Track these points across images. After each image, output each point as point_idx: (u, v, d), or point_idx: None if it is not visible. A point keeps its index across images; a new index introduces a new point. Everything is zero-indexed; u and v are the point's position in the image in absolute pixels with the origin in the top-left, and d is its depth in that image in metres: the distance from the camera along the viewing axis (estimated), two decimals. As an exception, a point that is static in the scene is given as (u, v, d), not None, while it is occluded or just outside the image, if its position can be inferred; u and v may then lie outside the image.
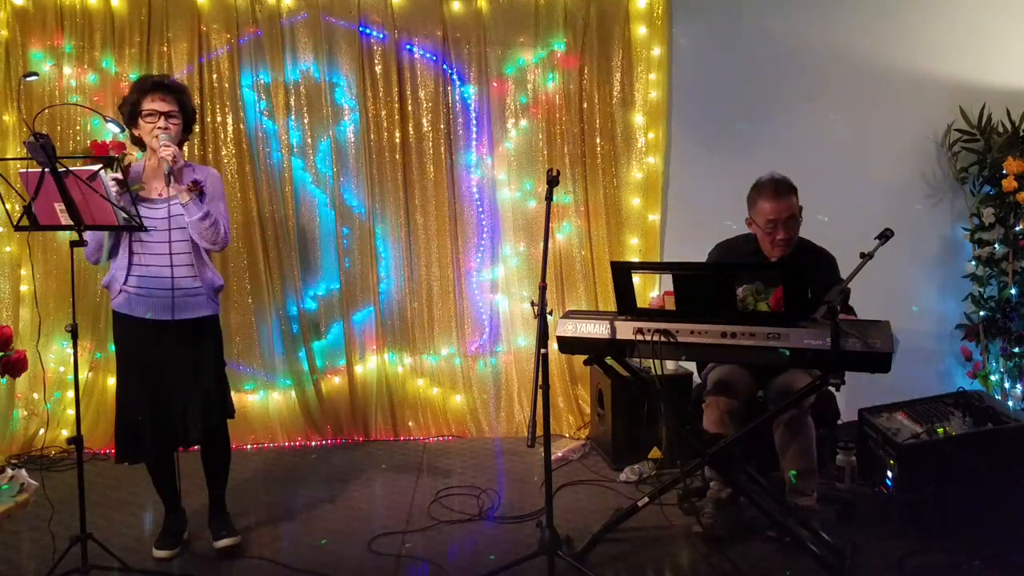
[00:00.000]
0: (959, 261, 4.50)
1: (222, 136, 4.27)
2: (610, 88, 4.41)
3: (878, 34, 4.39)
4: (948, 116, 4.39)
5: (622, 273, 2.82)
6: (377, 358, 4.48)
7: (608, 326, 2.79)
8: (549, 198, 2.83)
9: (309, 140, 4.35)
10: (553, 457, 3.57)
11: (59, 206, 2.50)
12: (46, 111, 4.12)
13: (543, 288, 2.68)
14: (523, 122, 4.46)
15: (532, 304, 2.68)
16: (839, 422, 3.85)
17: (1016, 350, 4.26)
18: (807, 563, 2.80)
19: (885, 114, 4.40)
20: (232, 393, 3.07)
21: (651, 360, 2.79)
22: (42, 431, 4.18)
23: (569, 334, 2.87)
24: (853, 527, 3.16)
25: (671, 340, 2.68)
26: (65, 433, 4.20)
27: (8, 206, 2.79)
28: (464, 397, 4.53)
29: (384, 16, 4.31)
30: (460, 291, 4.49)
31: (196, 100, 4.17)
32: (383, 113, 4.34)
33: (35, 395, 4.27)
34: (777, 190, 3.10)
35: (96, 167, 2.47)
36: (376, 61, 4.33)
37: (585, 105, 4.42)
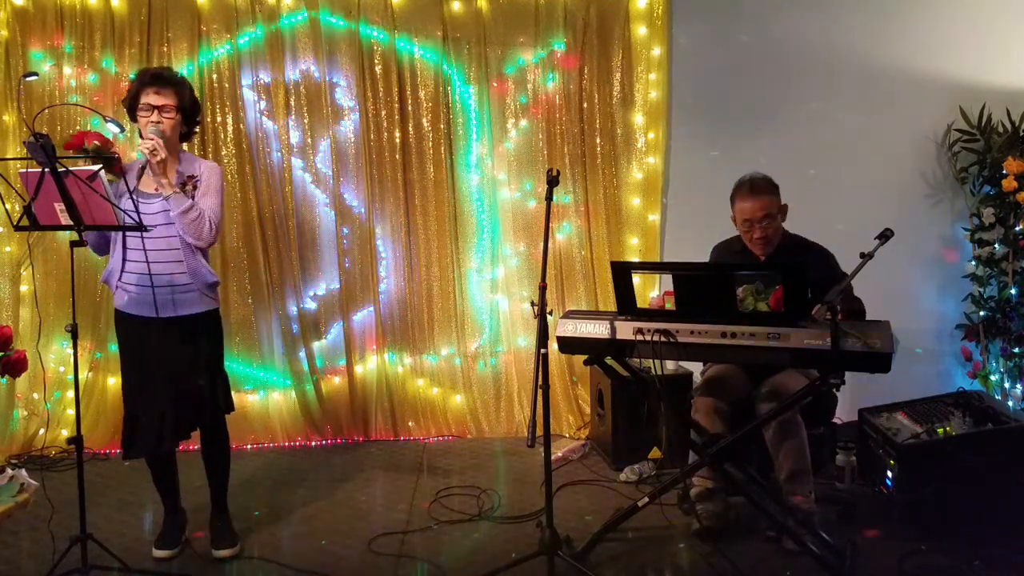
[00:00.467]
0: (959, 261, 4.50)
1: (222, 136, 4.27)
2: (610, 88, 4.41)
3: (878, 34, 4.39)
4: (948, 116, 4.39)
5: (622, 273, 2.82)
6: (377, 358, 4.48)
7: (608, 326, 2.79)
8: (549, 198, 2.83)
9: (309, 140, 4.35)
10: (553, 457, 3.56)
11: (59, 206, 2.50)
12: (46, 111, 4.12)
13: (543, 288, 2.67)
14: (523, 122, 4.46)
15: (532, 304, 2.68)
16: (839, 422, 3.86)
17: (1016, 350, 4.26)
18: (807, 563, 2.80)
19: (885, 114, 4.41)
20: (232, 393, 3.07)
21: (651, 360, 2.79)
22: (42, 431, 4.18)
23: (569, 334, 2.87)
24: (853, 527, 3.16)
25: (671, 340, 2.68)
26: (65, 433, 4.20)
27: (8, 206, 2.79)
28: (464, 397, 4.53)
29: (384, 16, 4.31)
30: (460, 291, 4.49)
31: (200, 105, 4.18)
32: (383, 113, 4.34)
33: (35, 395, 4.27)
34: (752, 189, 3.10)
35: (96, 167, 2.47)
36: (376, 61, 4.33)
37: (585, 105, 4.42)
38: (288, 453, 4.30)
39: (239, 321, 4.36)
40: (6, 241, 4.26)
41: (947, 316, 4.52)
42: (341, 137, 4.37)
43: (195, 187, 2.89)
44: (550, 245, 2.96)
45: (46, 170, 2.42)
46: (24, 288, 4.26)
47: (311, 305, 4.45)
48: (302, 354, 4.40)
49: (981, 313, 4.36)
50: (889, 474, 3.24)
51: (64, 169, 2.43)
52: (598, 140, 4.43)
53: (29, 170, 2.48)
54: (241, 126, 4.27)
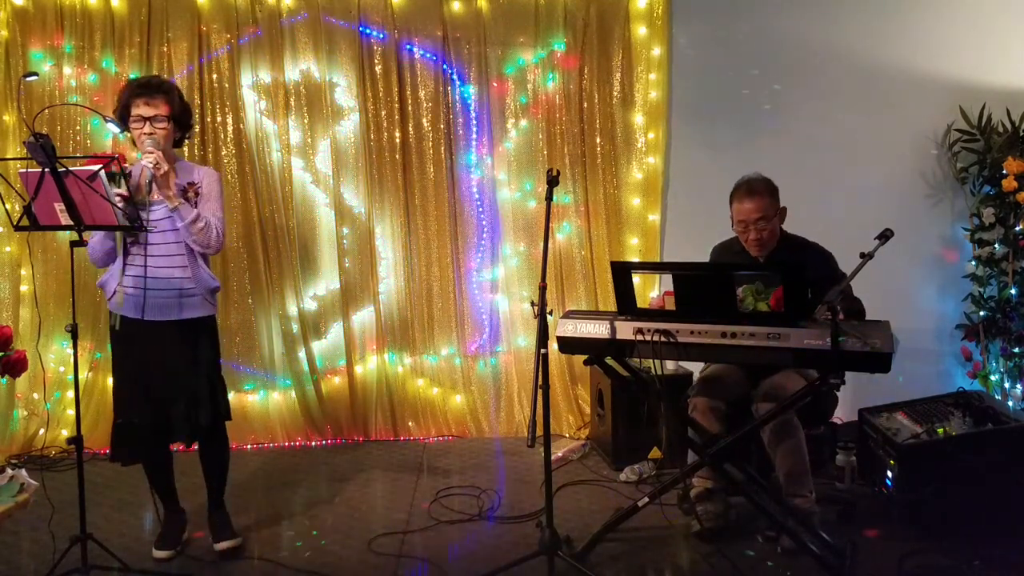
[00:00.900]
0: (959, 261, 4.50)
1: (222, 136, 4.28)
2: (610, 88, 4.41)
3: (878, 34, 4.39)
4: (948, 116, 4.39)
5: (622, 273, 2.82)
6: (377, 358, 4.48)
7: (608, 326, 2.79)
8: (549, 198, 2.83)
9: (309, 140, 4.35)
10: (553, 457, 3.57)
11: (59, 206, 2.50)
12: (46, 111, 4.12)
13: (543, 288, 2.67)
14: (523, 122, 4.46)
15: (532, 304, 2.68)
16: (839, 422, 3.86)
17: (1016, 350, 4.26)
18: (807, 563, 2.80)
19: (885, 114, 4.40)
20: (232, 393, 3.07)
21: (651, 360, 2.79)
22: (42, 431, 4.18)
23: (569, 334, 2.87)
24: (853, 527, 3.16)
25: (671, 340, 2.68)
26: (65, 433, 4.20)
27: (8, 206, 2.79)
28: (464, 397, 4.53)
29: (384, 16, 4.31)
30: (460, 291, 4.49)
31: (196, 100, 4.19)
32: (383, 113, 4.34)
33: (35, 395, 4.27)
34: (749, 191, 3.09)
35: (96, 167, 2.47)
36: (376, 61, 4.33)
37: (585, 105, 4.42)
38: (288, 453, 4.30)
39: (239, 321, 4.36)
40: (6, 241, 4.26)
41: (947, 316, 4.52)
42: (341, 137, 4.37)
43: (196, 194, 2.89)
44: (550, 245, 2.96)
45: (46, 170, 2.42)
46: (24, 288, 4.25)
47: (311, 305, 4.45)
48: (302, 354, 4.40)
49: (981, 313, 4.36)
50: (889, 474, 3.24)
51: (64, 169, 2.42)
52: (598, 140, 4.43)
53: (29, 170, 2.48)
54: (241, 126, 4.27)
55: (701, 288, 2.74)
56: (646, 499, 2.98)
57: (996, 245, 4.26)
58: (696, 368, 3.81)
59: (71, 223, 2.52)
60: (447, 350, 4.53)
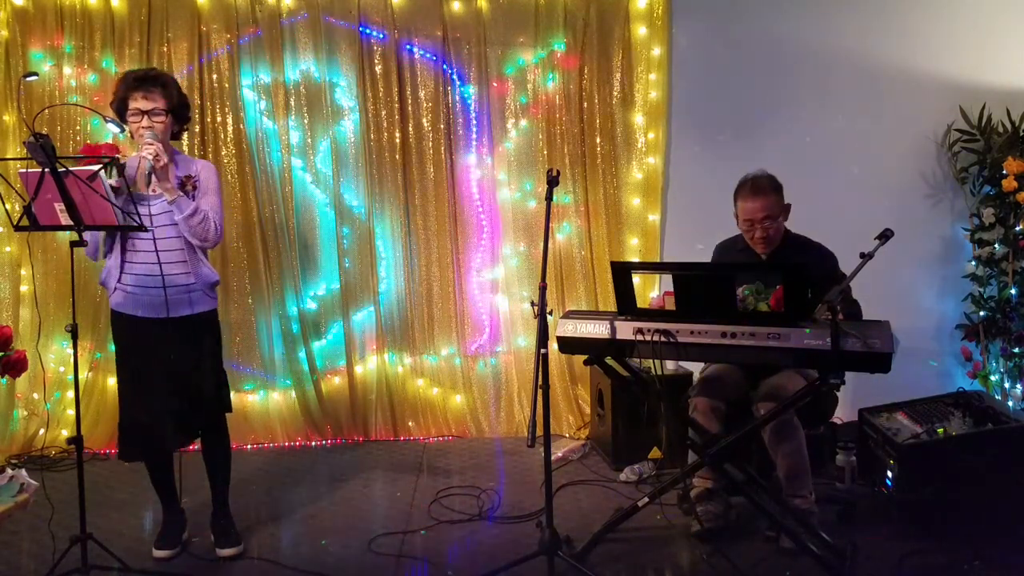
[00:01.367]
0: (959, 261, 4.50)
1: (222, 136, 4.28)
2: (610, 88, 4.41)
3: (878, 34, 4.39)
4: (948, 116, 4.39)
5: (622, 273, 2.82)
6: (377, 358, 4.48)
7: (608, 326, 2.79)
8: (549, 198, 2.83)
9: (309, 140, 4.35)
10: (553, 457, 3.57)
11: (59, 206, 2.49)
12: (46, 111, 4.12)
13: (543, 288, 2.67)
14: (523, 122, 4.46)
15: (532, 304, 2.68)
16: (839, 422, 3.86)
17: (1016, 350, 4.26)
18: (807, 563, 2.80)
19: (885, 114, 4.41)
20: (232, 393, 3.05)
21: (651, 360, 2.79)
22: (42, 431, 4.18)
23: (569, 334, 2.87)
24: (853, 527, 3.16)
25: (671, 340, 2.68)
26: (65, 433, 4.20)
27: (8, 206, 2.79)
28: (464, 397, 4.53)
29: (384, 16, 4.31)
30: (460, 291, 4.49)
31: (196, 100, 4.19)
32: (383, 113, 4.34)
33: (35, 395, 4.27)
34: (754, 190, 3.09)
35: (96, 167, 2.47)
36: (376, 61, 4.33)
37: (585, 105, 4.42)
38: (288, 453, 4.30)
39: (239, 321, 4.36)
40: (6, 241, 4.26)
41: (947, 316, 4.52)
42: (341, 137, 4.37)
43: (194, 187, 2.88)
44: (550, 245, 2.96)
45: (46, 170, 2.42)
46: (24, 288, 4.25)
47: (311, 305, 4.46)
48: (302, 354, 4.40)
49: (981, 313, 4.36)
50: (889, 474, 3.24)
51: (64, 169, 2.42)
52: (598, 140, 4.43)
53: (29, 170, 2.48)
54: (241, 126, 4.27)
55: (701, 288, 2.74)
56: (646, 499, 2.98)
57: (996, 245, 4.26)
58: (696, 368, 3.81)
59: (71, 223, 2.52)
60: (447, 350, 4.53)
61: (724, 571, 2.82)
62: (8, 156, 4.12)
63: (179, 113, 2.92)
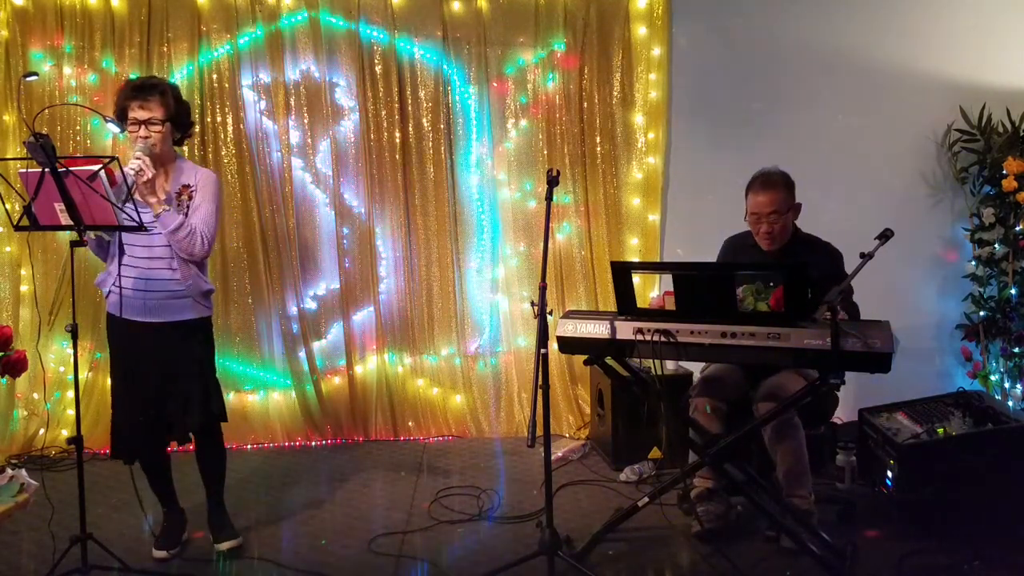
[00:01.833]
0: (959, 261, 4.50)
1: (222, 136, 4.28)
2: (610, 88, 4.41)
3: (878, 34, 4.39)
4: (948, 116, 4.39)
5: (622, 273, 2.82)
6: (377, 358, 4.48)
7: (608, 326, 2.79)
8: (549, 198, 2.83)
9: (309, 140, 4.35)
10: (553, 457, 3.57)
11: (59, 206, 2.49)
12: (46, 111, 4.12)
13: (543, 288, 2.68)
14: (523, 122, 4.46)
15: (532, 304, 2.68)
16: (839, 422, 3.86)
17: (1016, 350, 4.26)
18: (807, 563, 2.80)
19: (885, 114, 4.41)
20: (232, 393, 3.06)
21: (651, 360, 2.79)
22: (42, 431, 4.18)
23: (569, 334, 2.87)
24: (853, 527, 3.16)
25: (671, 340, 2.68)
26: (65, 433, 4.20)
27: (8, 206, 2.79)
28: (464, 397, 4.53)
29: (384, 16, 4.31)
30: (460, 291, 4.49)
31: (196, 100, 4.18)
32: (383, 113, 4.34)
33: (35, 395, 4.27)
34: (764, 184, 3.09)
35: (96, 167, 2.46)
36: (376, 61, 4.33)
37: (585, 105, 4.42)
38: (288, 453, 4.30)
39: (239, 321, 4.35)
40: (6, 241, 4.26)
41: (947, 316, 4.52)
42: (341, 137, 4.37)
43: (190, 197, 2.86)
44: (550, 245, 2.96)
45: (46, 170, 2.42)
46: (24, 288, 4.25)
47: (311, 305, 4.45)
48: (302, 354, 4.40)
49: (981, 313, 4.36)
50: (889, 474, 3.24)
51: (64, 169, 2.42)
52: (598, 140, 4.43)
53: (29, 170, 2.48)
54: (241, 126, 4.27)
55: (701, 288, 2.74)
56: (646, 499, 2.98)
57: (996, 245, 4.26)
58: (696, 368, 3.81)
59: (71, 223, 2.52)
60: (447, 350, 4.53)
61: (724, 571, 2.82)
62: (8, 156, 4.12)
63: (178, 121, 2.90)
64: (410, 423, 4.51)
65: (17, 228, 2.58)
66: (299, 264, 4.37)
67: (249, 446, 4.35)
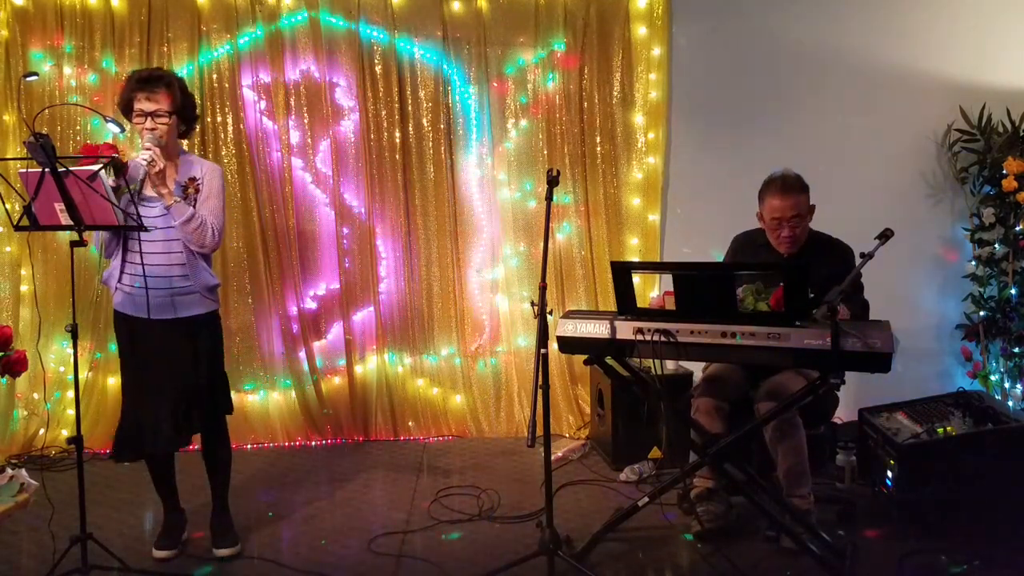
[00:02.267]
0: (959, 261, 4.50)
1: (222, 136, 4.28)
2: (610, 88, 4.41)
3: (878, 34, 4.39)
4: (948, 116, 4.38)
5: (622, 273, 2.82)
6: (377, 358, 4.48)
7: (608, 326, 2.79)
8: (549, 198, 2.83)
9: (309, 140, 4.35)
10: (553, 457, 3.56)
11: (59, 206, 2.49)
12: (46, 111, 4.12)
13: (543, 288, 2.68)
14: (523, 122, 4.46)
15: (532, 304, 2.68)
16: (839, 422, 3.86)
17: (1016, 350, 4.26)
18: (807, 563, 2.80)
19: (885, 114, 4.41)
20: (232, 393, 3.04)
21: (651, 360, 2.79)
22: (42, 431, 4.18)
23: (569, 334, 2.87)
24: (853, 527, 3.16)
25: (671, 340, 2.68)
26: (65, 433, 4.20)
27: (8, 206, 2.79)
28: (464, 397, 4.53)
29: (384, 16, 4.31)
30: (460, 291, 4.49)
31: (196, 100, 4.16)
32: (383, 113, 4.34)
33: (35, 395, 4.27)
34: (784, 188, 3.08)
35: (96, 167, 2.47)
36: (376, 61, 4.33)
37: (585, 105, 4.42)
38: (288, 453, 4.30)
39: (239, 321, 4.36)
40: (6, 241, 4.26)
41: (947, 316, 4.52)
42: (341, 137, 4.37)
43: (197, 190, 2.87)
44: (550, 245, 2.96)
45: (46, 170, 2.42)
46: (24, 288, 4.25)
47: (311, 305, 4.45)
48: (302, 354, 4.40)
49: (981, 313, 4.36)
50: (889, 474, 3.24)
51: (64, 169, 2.42)
52: (598, 140, 4.43)
53: (29, 170, 2.48)
54: (241, 126, 4.27)
55: (701, 288, 2.74)
56: (646, 499, 2.98)
57: (996, 245, 4.26)
58: (696, 368, 3.82)
59: (71, 223, 2.52)
60: (447, 350, 4.53)
61: (724, 571, 2.82)
62: (8, 156, 4.12)
63: (184, 113, 2.90)
64: (410, 423, 4.51)
65: (17, 228, 2.58)
66: (299, 264, 4.37)
67: (249, 446, 4.35)
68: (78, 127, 4.24)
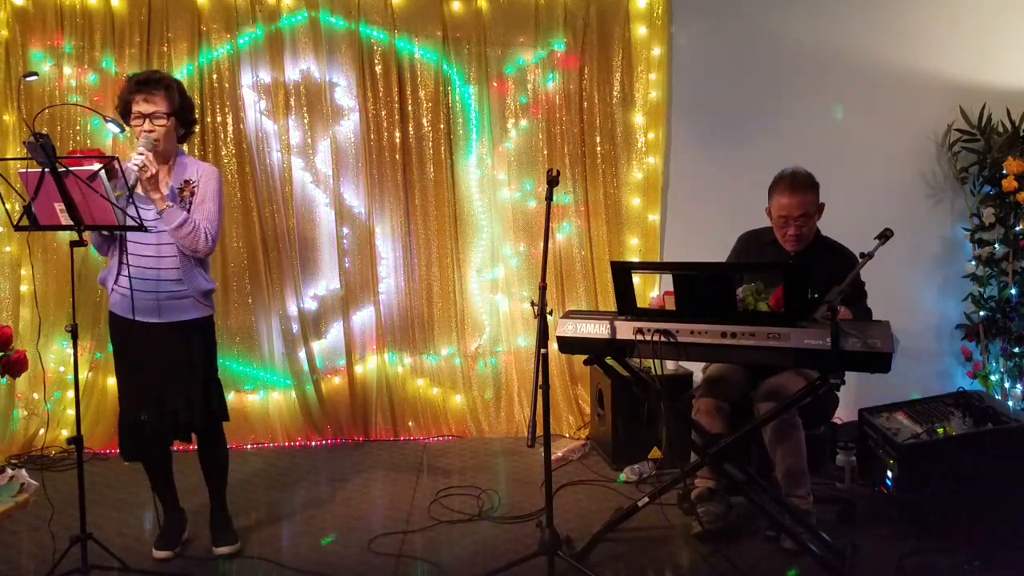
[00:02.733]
0: (959, 261, 4.50)
1: (222, 136, 4.28)
2: (610, 88, 4.41)
3: (878, 34, 4.39)
4: (948, 116, 4.38)
5: (622, 273, 2.82)
6: (377, 358, 4.48)
7: (608, 326, 2.79)
8: (549, 198, 2.83)
9: (309, 140, 4.35)
10: (553, 457, 3.56)
11: (59, 206, 2.49)
12: (46, 111, 4.12)
13: (543, 288, 2.68)
14: (523, 122, 4.46)
15: (532, 304, 2.68)
16: (840, 422, 3.86)
17: (1016, 350, 4.26)
18: (807, 563, 2.80)
19: (885, 114, 4.40)
20: (232, 393, 3.06)
21: (651, 360, 2.79)
22: (42, 431, 4.18)
23: (569, 334, 2.87)
24: (853, 527, 3.16)
25: (671, 340, 2.68)
26: (65, 433, 4.20)
27: (8, 206, 2.79)
28: (464, 397, 4.53)
29: (384, 16, 4.31)
30: (460, 291, 4.49)
31: (196, 100, 4.18)
32: (383, 113, 4.34)
33: (35, 395, 4.27)
34: (793, 186, 3.07)
35: (96, 167, 2.46)
36: (376, 61, 4.33)
37: (585, 105, 4.42)
38: (288, 453, 4.30)
39: (239, 321, 4.36)
40: (6, 241, 4.26)
41: (947, 316, 4.52)
42: (341, 137, 4.37)
43: (192, 193, 2.86)
44: (550, 245, 2.96)
45: (46, 170, 2.41)
46: (24, 288, 4.25)
47: (311, 305, 4.45)
48: (302, 354, 4.40)
49: (981, 313, 4.36)
50: (889, 474, 3.24)
51: (64, 169, 2.42)
52: (598, 140, 4.43)
53: (29, 170, 2.48)
54: (241, 126, 4.27)
55: (701, 288, 2.74)
56: (646, 499, 2.98)
57: (996, 245, 4.26)
58: (696, 368, 3.81)
59: (71, 223, 2.52)
60: (447, 350, 4.53)
61: (724, 571, 2.82)
62: (8, 156, 4.12)
63: (183, 116, 2.89)
64: (410, 423, 4.51)
65: (17, 228, 2.57)
66: (299, 264, 4.37)
67: (249, 446, 4.35)
68: (78, 127, 4.24)
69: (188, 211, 2.82)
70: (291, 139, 4.34)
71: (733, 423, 3.11)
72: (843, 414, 3.73)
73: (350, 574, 2.89)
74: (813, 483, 3.07)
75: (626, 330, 2.75)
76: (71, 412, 4.16)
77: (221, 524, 3.07)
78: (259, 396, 4.44)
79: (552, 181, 2.84)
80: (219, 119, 4.27)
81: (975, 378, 4.36)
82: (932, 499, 3.05)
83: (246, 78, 4.29)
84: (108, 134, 4.22)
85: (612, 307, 2.91)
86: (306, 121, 4.34)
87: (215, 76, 4.27)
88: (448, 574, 2.87)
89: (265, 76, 4.31)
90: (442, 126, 4.38)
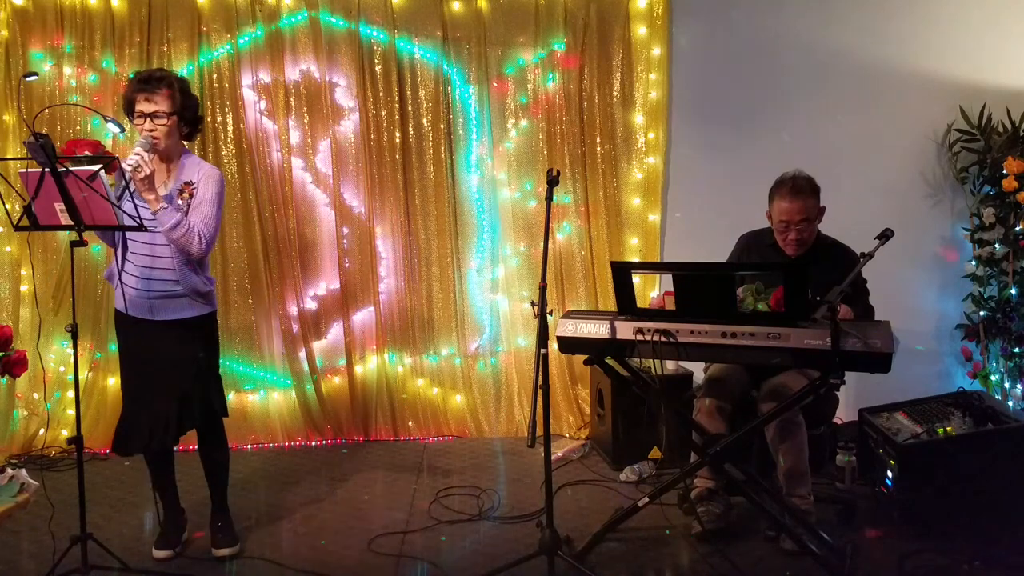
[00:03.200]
0: (959, 261, 4.50)
1: (222, 136, 4.28)
2: (610, 88, 4.41)
3: (878, 34, 4.39)
4: (948, 116, 4.38)
5: (622, 273, 2.82)
6: (377, 358, 4.48)
7: (608, 326, 2.79)
8: (549, 198, 2.83)
9: (309, 140, 4.35)
10: (553, 457, 3.57)
11: (59, 206, 2.50)
12: (46, 111, 4.12)
13: (543, 288, 2.68)
14: (523, 122, 4.46)
15: (532, 304, 2.68)
16: (840, 422, 3.86)
17: (1016, 350, 4.26)
18: (807, 563, 2.80)
19: (885, 114, 4.40)
20: (232, 393, 3.05)
21: (651, 360, 2.79)
22: (42, 431, 4.18)
23: (569, 334, 2.87)
24: (853, 527, 3.16)
25: (671, 340, 2.68)
26: (65, 433, 4.20)
27: (8, 206, 2.79)
28: (464, 397, 4.53)
29: (384, 16, 4.31)
30: (460, 291, 4.49)
31: (199, 102, 4.17)
32: (383, 113, 4.34)
33: (35, 395, 4.27)
34: (793, 191, 3.06)
35: (96, 167, 2.46)
36: (376, 61, 4.33)
37: (585, 105, 4.42)
38: (288, 453, 4.30)
39: (239, 321, 4.36)
40: (6, 241, 4.26)
41: (947, 316, 4.52)
42: (341, 137, 4.37)
43: (191, 195, 2.84)
44: (550, 245, 2.96)
45: (46, 170, 2.42)
46: (24, 288, 4.26)
47: (311, 305, 4.45)
48: (302, 354, 4.40)
49: (981, 313, 4.36)
50: (889, 474, 3.24)
51: (64, 169, 2.42)
52: (598, 140, 4.43)
53: (29, 170, 2.48)
54: (241, 126, 4.27)
55: (701, 288, 2.74)
56: (646, 499, 2.98)
57: (996, 245, 4.26)
58: (696, 368, 3.81)
59: (71, 223, 2.52)
60: (447, 350, 4.53)
61: (724, 571, 2.82)
62: (8, 156, 4.12)
63: (186, 115, 2.87)
64: (410, 423, 4.51)
65: (17, 228, 2.58)
66: (299, 264, 4.37)
67: (249, 446, 4.35)
68: (78, 127, 4.23)
69: (186, 213, 2.80)
70: (291, 139, 4.34)
71: (734, 423, 3.11)
72: (843, 414, 3.74)
73: (350, 574, 2.89)
74: (813, 483, 3.07)
75: (626, 330, 2.76)
76: (71, 412, 4.16)
77: (221, 526, 3.07)
78: (259, 396, 4.44)
79: (552, 181, 2.84)
80: (219, 119, 4.27)
81: (975, 378, 4.36)
82: (932, 499, 3.05)
83: (246, 78, 4.29)
84: (108, 134, 4.22)
85: (612, 307, 2.91)
86: (306, 121, 4.34)
87: (215, 76, 4.26)
88: (448, 574, 2.87)
89: (265, 76, 4.31)
90: (442, 126, 4.38)
